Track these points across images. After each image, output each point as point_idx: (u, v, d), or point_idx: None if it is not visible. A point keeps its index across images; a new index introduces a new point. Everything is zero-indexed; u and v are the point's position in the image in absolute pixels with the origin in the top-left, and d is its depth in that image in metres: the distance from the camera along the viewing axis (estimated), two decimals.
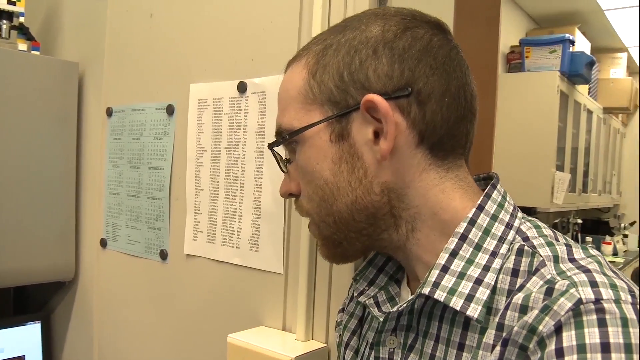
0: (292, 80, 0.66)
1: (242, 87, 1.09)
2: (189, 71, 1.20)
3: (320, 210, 0.66)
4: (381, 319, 0.65)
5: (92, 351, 1.43)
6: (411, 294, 0.70)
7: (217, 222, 1.14)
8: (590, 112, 4.08)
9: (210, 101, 1.15)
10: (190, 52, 1.21)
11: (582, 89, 3.83)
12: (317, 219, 0.67)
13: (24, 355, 1.43)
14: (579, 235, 4.71)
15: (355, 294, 0.74)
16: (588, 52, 3.73)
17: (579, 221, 4.74)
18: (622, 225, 5.37)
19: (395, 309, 0.63)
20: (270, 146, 0.70)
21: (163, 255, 1.24)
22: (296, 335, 1.00)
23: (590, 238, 4.58)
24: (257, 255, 1.07)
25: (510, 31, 3.65)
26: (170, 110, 1.23)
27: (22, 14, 1.44)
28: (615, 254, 4.58)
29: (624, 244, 5.02)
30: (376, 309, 0.69)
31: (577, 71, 3.40)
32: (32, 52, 1.44)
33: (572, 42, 3.40)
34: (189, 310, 1.20)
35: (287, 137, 0.66)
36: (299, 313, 0.99)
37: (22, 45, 1.42)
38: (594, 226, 5.05)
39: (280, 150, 0.71)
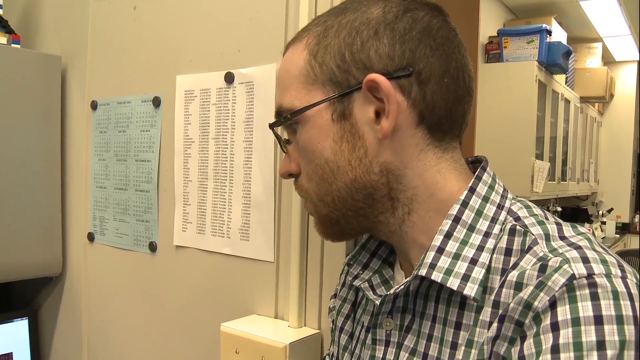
0: (293, 60, 0.66)
1: (229, 78, 1.09)
2: (175, 63, 1.20)
3: (320, 190, 0.66)
4: (377, 302, 0.66)
5: (82, 346, 1.42)
6: (405, 277, 0.71)
7: (206, 213, 1.14)
8: (567, 102, 4.14)
9: (197, 92, 1.15)
10: (175, 44, 1.20)
11: (560, 78, 3.89)
12: (315, 197, 0.68)
13: (11, 353, 1.41)
14: None
15: (350, 278, 0.74)
16: (564, 42, 3.78)
17: (559, 209, 4.82)
18: (600, 212, 5.48)
19: (392, 291, 0.64)
20: (272, 126, 0.70)
21: (152, 247, 1.24)
22: (289, 322, 1.01)
23: None
24: (248, 244, 1.07)
25: (488, 22, 3.69)
26: (156, 102, 1.23)
27: (0, 6, 1.42)
28: None
29: (602, 230, 5.12)
30: (371, 292, 0.70)
31: (554, 61, 3.45)
32: (13, 45, 1.42)
33: (549, 32, 3.44)
34: (180, 302, 1.20)
35: (288, 117, 0.66)
36: (291, 300, 1.00)
37: (2, 39, 1.40)
38: (573, 214, 5.14)
39: (280, 130, 0.72)
